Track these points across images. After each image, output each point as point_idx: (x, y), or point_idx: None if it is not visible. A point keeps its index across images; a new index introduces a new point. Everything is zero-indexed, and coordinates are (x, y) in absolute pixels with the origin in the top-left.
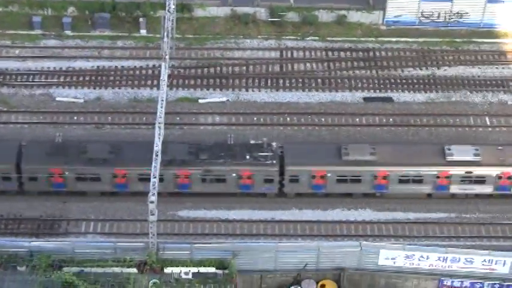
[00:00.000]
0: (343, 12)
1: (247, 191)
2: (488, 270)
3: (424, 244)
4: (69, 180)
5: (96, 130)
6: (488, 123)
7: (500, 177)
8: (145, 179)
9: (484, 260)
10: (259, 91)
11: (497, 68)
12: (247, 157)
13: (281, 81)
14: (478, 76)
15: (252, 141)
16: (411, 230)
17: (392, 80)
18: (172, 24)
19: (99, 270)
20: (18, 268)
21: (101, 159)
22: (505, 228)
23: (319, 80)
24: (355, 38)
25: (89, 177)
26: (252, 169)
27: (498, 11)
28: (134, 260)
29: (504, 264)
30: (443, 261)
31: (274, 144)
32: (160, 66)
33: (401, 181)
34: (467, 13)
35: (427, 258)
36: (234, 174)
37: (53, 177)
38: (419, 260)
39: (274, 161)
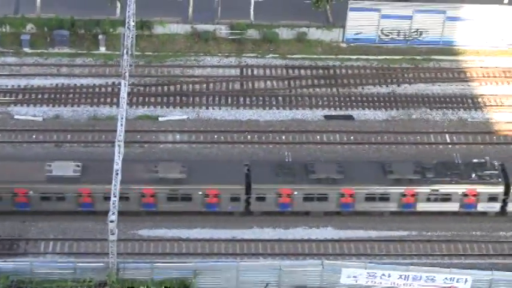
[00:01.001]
0: (303, 29)
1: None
2: None
3: (386, 262)
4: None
5: (55, 149)
6: (448, 140)
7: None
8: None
9: (446, 278)
10: (220, 109)
11: (456, 85)
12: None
13: (241, 99)
14: (438, 93)
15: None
16: (373, 248)
17: (353, 98)
18: (131, 41)
19: None
20: None
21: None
22: (466, 246)
23: (279, 98)
24: (315, 56)
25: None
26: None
27: (457, 29)
28: (94, 280)
29: (466, 281)
30: (405, 279)
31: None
32: (119, 83)
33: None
34: (426, 31)
35: (389, 276)
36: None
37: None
38: (381, 278)
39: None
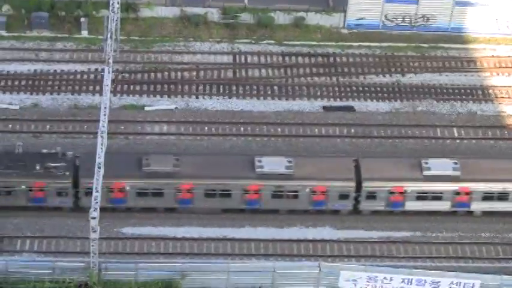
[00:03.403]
0: (301, 14)
1: None
2: None
3: (387, 265)
4: None
5: (33, 139)
6: (456, 134)
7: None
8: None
9: (452, 282)
10: (211, 98)
11: (465, 75)
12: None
13: (234, 88)
14: (446, 84)
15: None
16: (374, 249)
17: (354, 88)
18: (116, 25)
19: None
20: None
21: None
22: (474, 248)
23: (275, 88)
24: (314, 42)
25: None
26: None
27: (467, 15)
28: (74, 281)
29: (473, 286)
30: (408, 284)
31: None
32: (103, 70)
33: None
34: (434, 16)
35: (391, 280)
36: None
37: None
38: (382, 282)
39: None
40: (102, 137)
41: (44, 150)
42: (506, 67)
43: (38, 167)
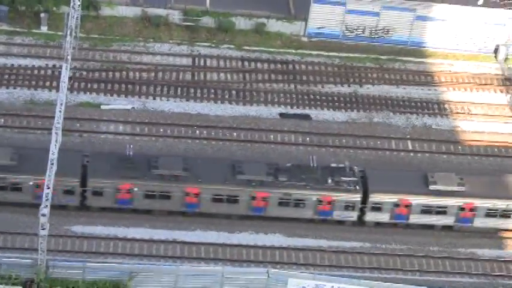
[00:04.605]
0: (262, 20)
1: None
2: None
3: (336, 274)
4: None
5: None
6: (410, 147)
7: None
8: None
9: None
10: (168, 100)
11: (422, 89)
12: None
13: (192, 90)
14: (402, 97)
15: None
16: (323, 258)
17: (312, 96)
18: (76, 22)
19: None
20: None
21: None
22: (422, 262)
23: (233, 92)
24: (273, 49)
25: None
26: None
27: (426, 29)
28: (20, 277)
29: None
30: None
31: None
32: (61, 67)
33: None
34: (394, 29)
35: None
36: None
37: None
38: None
39: None
40: (56, 133)
41: None
42: (462, 83)
43: None
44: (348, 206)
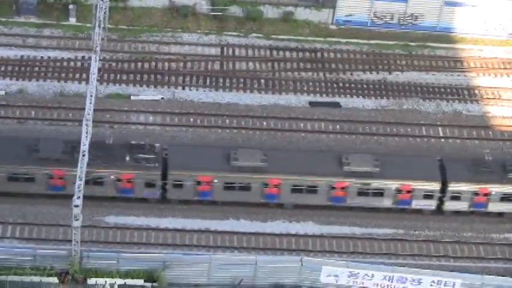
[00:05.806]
0: (290, 8)
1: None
2: None
3: (369, 261)
4: None
5: (17, 125)
6: (441, 134)
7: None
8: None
9: (433, 281)
10: (197, 90)
11: (452, 75)
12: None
13: (221, 80)
14: (432, 83)
15: None
16: (356, 245)
17: (341, 84)
18: (104, 13)
19: (16, 278)
20: None
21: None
22: (456, 247)
23: (262, 81)
24: (302, 37)
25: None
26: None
27: (455, 15)
28: (55, 268)
29: (454, 285)
30: (389, 281)
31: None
32: (90, 58)
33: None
34: (422, 15)
35: (372, 276)
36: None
37: None
38: (363, 278)
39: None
40: (87, 125)
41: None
42: (492, 68)
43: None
44: (149, 184)
